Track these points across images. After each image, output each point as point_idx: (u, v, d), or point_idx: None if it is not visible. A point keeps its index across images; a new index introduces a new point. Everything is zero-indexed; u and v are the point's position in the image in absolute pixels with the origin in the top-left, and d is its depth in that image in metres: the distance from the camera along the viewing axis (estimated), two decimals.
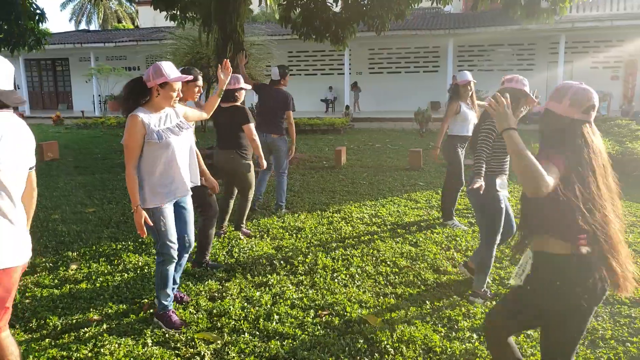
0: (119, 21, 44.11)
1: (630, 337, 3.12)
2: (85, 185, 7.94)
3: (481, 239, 3.79)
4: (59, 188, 7.70)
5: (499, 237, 3.69)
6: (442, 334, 3.21)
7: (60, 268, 4.35)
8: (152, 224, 3.13)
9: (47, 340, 3.14)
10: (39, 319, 3.40)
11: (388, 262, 4.46)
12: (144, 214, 3.10)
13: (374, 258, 4.57)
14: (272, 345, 3.07)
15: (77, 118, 20.70)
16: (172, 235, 3.29)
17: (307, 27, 10.15)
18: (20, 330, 3.28)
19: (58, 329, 3.30)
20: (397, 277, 4.14)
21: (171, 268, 3.36)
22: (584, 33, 18.66)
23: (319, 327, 3.32)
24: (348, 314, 3.47)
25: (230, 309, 3.55)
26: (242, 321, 3.40)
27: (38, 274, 4.21)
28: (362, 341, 3.11)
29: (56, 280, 4.09)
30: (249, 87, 5.13)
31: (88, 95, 24.10)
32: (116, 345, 3.06)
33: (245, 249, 4.78)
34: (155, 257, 3.37)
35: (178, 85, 3.14)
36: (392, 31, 18.75)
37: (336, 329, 3.31)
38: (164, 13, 10.09)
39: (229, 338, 3.19)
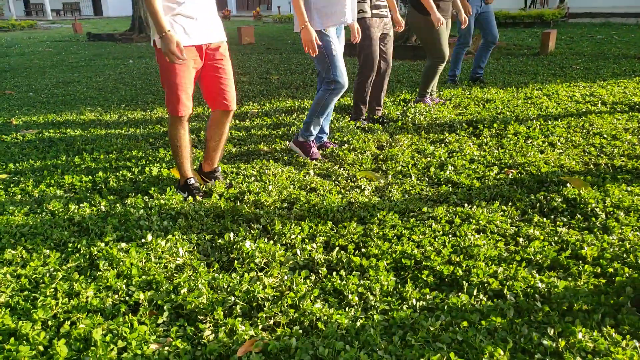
0: None
1: None
2: (274, 61, 8.19)
3: None
4: (250, 62, 8.11)
5: None
6: None
7: (243, 111, 4.49)
8: (321, 44, 2.87)
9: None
10: None
11: (605, 136, 3.49)
12: (314, 32, 2.84)
13: (584, 130, 3.63)
14: (442, 190, 2.62)
15: (275, 15, 21.79)
16: (342, 62, 3.01)
17: None
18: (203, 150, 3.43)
19: (232, 153, 3.37)
20: (616, 149, 3.20)
21: (336, 99, 3.10)
22: None
23: (504, 182, 2.73)
24: (544, 176, 2.79)
25: (398, 155, 3.17)
26: (409, 167, 3.00)
27: None
28: (559, 200, 2.44)
29: (236, 120, 4.22)
30: None
31: None
32: (280, 170, 2.97)
33: (422, 111, 4.27)
34: (324, 86, 3.09)
35: None
36: None
37: (526, 187, 2.68)
38: None
39: (394, 180, 2.84)
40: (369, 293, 1.75)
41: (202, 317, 1.62)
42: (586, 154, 3.19)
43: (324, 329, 1.56)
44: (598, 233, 2.15)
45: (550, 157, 3.09)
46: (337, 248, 2.04)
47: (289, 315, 1.62)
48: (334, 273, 1.87)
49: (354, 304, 1.70)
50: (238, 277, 1.82)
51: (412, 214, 2.38)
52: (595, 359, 1.42)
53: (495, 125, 3.77)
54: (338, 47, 3.03)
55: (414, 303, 1.69)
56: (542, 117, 4.01)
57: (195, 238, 2.14)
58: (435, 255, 1.97)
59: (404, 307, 1.67)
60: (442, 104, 4.58)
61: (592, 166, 2.96)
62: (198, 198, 2.55)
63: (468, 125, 3.83)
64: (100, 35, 13.53)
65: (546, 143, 3.39)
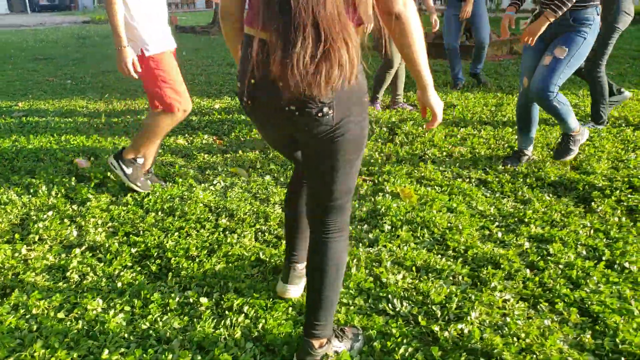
0: None
1: None
2: None
3: None
4: None
5: None
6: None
7: (209, 106, 4.84)
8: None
9: None
10: None
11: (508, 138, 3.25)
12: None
13: (500, 124, 3.41)
14: (278, 191, 2.73)
15: None
16: None
17: None
18: None
19: None
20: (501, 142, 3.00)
21: None
22: None
23: None
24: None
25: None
26: (275, 166, 3.12)
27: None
28: (365, 209, 2.44)
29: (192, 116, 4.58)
30: None
31: None
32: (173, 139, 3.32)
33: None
34: None
35: None
36: None
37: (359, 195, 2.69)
38: None
39: (252, 177, 2.99)
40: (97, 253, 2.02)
41: None
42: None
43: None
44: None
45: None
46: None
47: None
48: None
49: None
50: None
51: (218, 210, 2.56)
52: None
53: (412, 129, 3.68)
54: None
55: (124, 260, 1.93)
56: (490, 123, 3.81)
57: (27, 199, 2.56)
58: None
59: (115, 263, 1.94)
60: (409, 110, 4.42)
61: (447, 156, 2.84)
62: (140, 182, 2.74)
63: (388, 129, 3.78)
64: (185, 28, 14.81)
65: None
